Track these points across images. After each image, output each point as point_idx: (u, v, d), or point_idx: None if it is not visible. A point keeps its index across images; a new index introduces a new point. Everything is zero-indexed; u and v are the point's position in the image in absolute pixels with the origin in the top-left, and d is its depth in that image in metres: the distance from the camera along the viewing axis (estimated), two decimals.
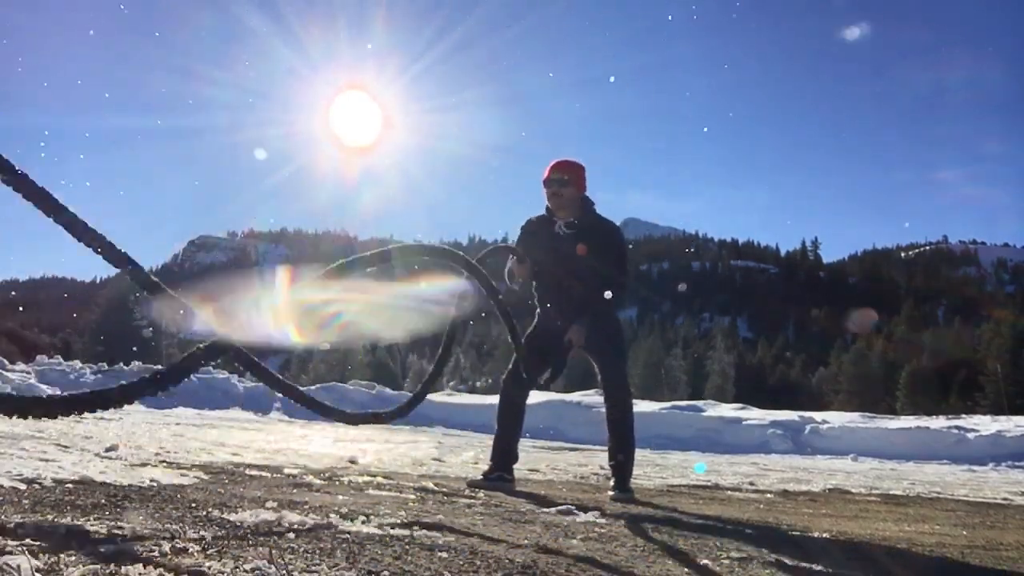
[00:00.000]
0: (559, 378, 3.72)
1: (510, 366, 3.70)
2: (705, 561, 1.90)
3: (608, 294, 3.61)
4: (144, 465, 3.12)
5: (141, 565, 1.34)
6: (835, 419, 12.07)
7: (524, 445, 4.55)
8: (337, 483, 3.08)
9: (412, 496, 2.83)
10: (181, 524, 1.78)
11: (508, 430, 3.65)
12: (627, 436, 3.58)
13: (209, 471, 3.12)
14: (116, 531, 1.63)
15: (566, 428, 11.05)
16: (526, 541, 1.97)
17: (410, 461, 4.74)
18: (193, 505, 2.10)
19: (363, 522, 2.04)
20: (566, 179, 3.64)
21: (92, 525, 1.67)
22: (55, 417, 1.54)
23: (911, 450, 10.10)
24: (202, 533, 1.69)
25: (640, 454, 3.78)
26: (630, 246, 4.25)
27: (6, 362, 12.19)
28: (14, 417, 1.50)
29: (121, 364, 14.43)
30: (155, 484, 2.54)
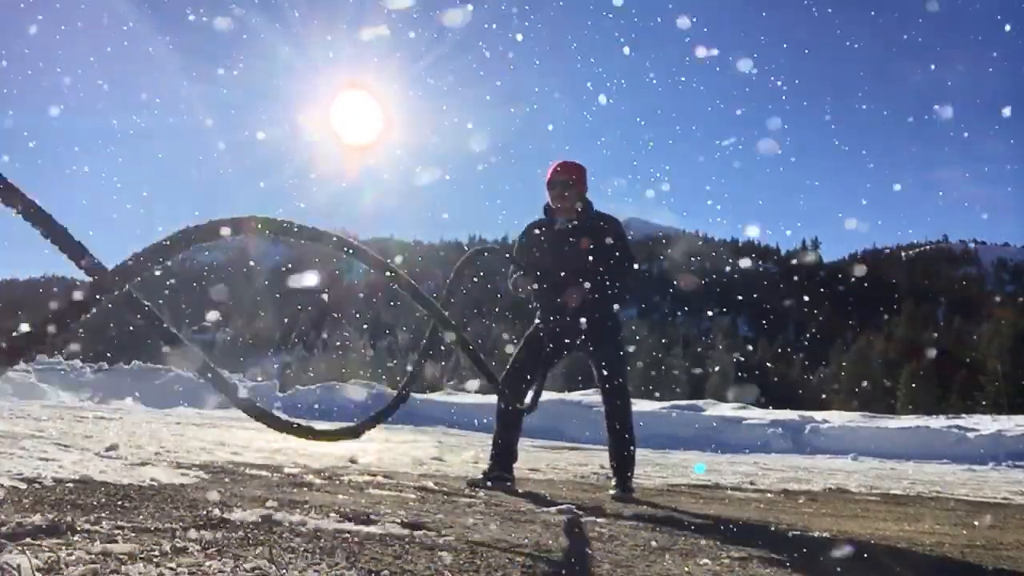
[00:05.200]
0: (539, 398, 3.70)
1: (508, 365, 3.71)
2: (705, 561, 1.90)
3: (613, 293, 3.62)
4: (144, 464, 3.12)
5: (141, 564, 1.34)
6: (835, 419, 12.07)
7: (524, 445, 4.55)
8: (337, 483, 3.08)
9: (412, 496, 2.83)
10: (181, 523, 1.78)
11: (508, 429, 3.66)
12: (627, 435, 3.58)
13: (209, 470, 3.12)
14: (116, 530, 1.63)
15: (566, 428, 11.05)
16: (526, 541, 1.97)
17: (410, 460, 4.75)
18: (193, 505, 2.10)
19: (363, 522, 2.04)
20: (571, 181, 3.67)
21: (92, 524, 1.67)
22: None
23: (911, 450, 10.09)
24: (202, 533, 1.69)
25: (640, 453, 3.79)
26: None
27: None
28: None
29: (121, 363, 14.44)
30: (155, 483, 2.54)
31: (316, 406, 12.39)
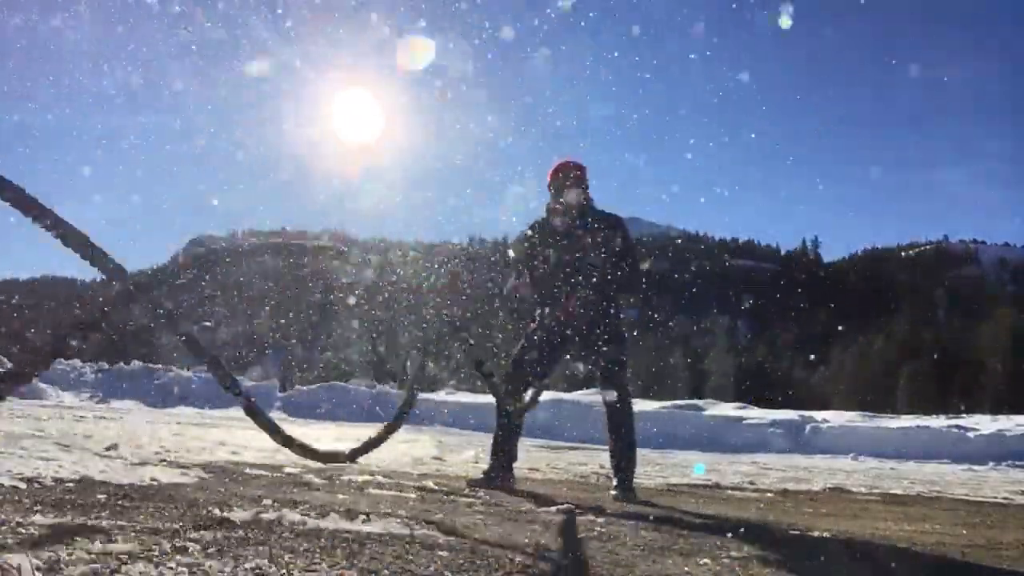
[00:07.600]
0: (539, 397, 3.75)
1: (509, 364, 3.71)
2: (705, 561, 1.90)
3: (616, 294, 3.62)
4: (144, 464, 3.12)
5: (141, 564, 1.34)
6: (835, 418, 12.06)
7: (524, 445, 4.55)
8: (337, 483, 3.08)
9: (412, 495, 2.83)
10: (181, 523, 1.78)
11: (508, 429, 3.66)
12: (628, 435, 3.58)
13: (209, 470, 3.12)
14: (116, 530, 1.63)
15: (566, 428, 11.05)
16: (526, 540, 1.97)
17: (410, 460, 4.75)
18: (193, 504, 2.10)
19: (363, 521, 2.04)
20: (572, 180, 3.66)
21: (92, 524, 1.67)
22: None
23: (911, 450, 10.09)
24: (202, 533, 1.69)
25: (640, 453, 3.79)
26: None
27: (6, 361, 12.19)
28: None
29: (121, 363, 14.44)
30: (155, 483, 2.54)
31: (317, 406, 12.40)
